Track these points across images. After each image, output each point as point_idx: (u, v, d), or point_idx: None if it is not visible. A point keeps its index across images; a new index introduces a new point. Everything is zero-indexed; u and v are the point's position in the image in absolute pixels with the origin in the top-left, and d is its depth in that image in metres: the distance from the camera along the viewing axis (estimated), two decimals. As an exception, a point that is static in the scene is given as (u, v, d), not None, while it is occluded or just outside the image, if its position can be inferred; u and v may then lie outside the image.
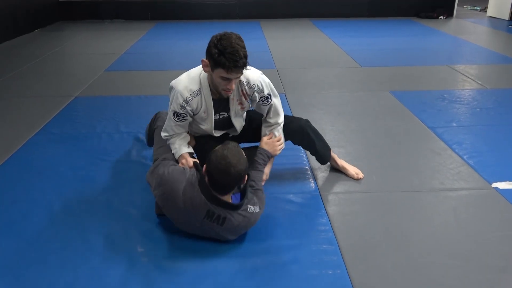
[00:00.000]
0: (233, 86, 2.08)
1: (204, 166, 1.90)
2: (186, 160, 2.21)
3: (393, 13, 8.66)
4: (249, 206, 1.95)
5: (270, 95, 2.30)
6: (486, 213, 2.25)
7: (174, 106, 2.18)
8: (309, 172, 2.62)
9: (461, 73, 4.74)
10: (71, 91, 4.17)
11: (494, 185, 2.48)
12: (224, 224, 1.90)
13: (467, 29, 7.60)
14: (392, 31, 7.31)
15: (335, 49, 5.95)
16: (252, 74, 2.21)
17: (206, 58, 2.05)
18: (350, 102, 3.90)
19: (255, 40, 6.44)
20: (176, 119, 2.20)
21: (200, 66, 2.16)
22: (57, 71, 5.03)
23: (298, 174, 2.60)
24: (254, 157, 2.27)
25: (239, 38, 2.02)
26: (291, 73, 4.79)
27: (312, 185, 2.51)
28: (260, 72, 2.27)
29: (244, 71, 2.06)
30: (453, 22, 8.33)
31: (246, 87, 2.22)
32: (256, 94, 2.25)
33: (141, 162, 2.76)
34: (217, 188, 1.88)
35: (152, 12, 8.44)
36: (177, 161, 2.25)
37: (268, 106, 2.33)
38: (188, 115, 2.20)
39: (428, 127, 3.28)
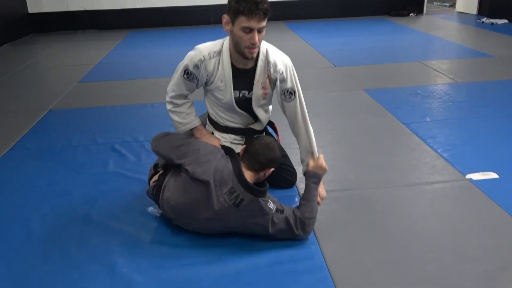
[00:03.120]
0: (257, 40, 1.94)
1: (242, 148, 2.06)
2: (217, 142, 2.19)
3: (364, 13, 8.79)
4: (270, 201, 1.93)
5: (294, 92, 2.13)
6: (462, 205, 2.30)
7: (187, 64, 2.07)
8: (287, 174, 2.64)
9: (433, 69, 4.84)
10: (45, 104, 4.11)
11: (468, 176, 2.54)
12: (239, 206, 1.89)
13: (437, 25, 7.76)
14: (364, 31, 7.42)
15: (310, 50, 6.01)
16: (280, 57, 2.10)
17: (226, 14, 1.97)
18: (326, 102, 3.94)
19: (230, 45, 6.44)
20: (185, 76, 2.08)
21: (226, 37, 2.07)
22: (29, 85, 4.95)
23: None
24: (306, 186, 2.14)
25: None
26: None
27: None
28: (289, 60, 2.13)
29: (274, 52, 2.02)
30: (424, 18, 8.49)
31: (272, 69, 2.10)
32: (279, 83, 2.10)
33: (118, 172, 2.73)
34: (251, 161, 2.00)
35: (125, 20, 8.39)
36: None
37: (292, 105, 2.14)
38: (197, 79, 2.09)
39: (403, 123, 3.33)
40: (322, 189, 2.21)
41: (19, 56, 6.41)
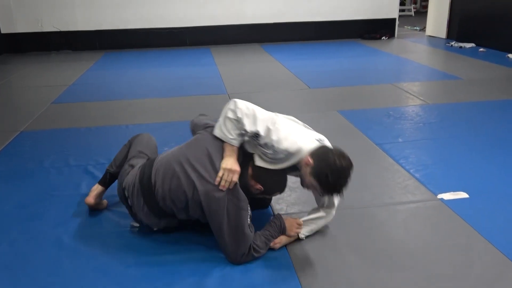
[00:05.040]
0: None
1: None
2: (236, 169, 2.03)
3: (339, 36, 8.98)
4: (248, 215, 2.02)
5: None
6: (433, 224, 2.34)
7: (280, 141, 2.02)
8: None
9: (405, 91, 4.96)
10: (16, 125, 4.03)
11: (439, 196, 2.59)
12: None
13: (408, 48, 7.98)
14: (338, 53, 7.57)
15: (285, 72, 6.09)
16: None
17: (312, 160, 1.95)
18: (301, 123, 3.97)
19: (206, 66, 6.49)
20: (263, 146, 2.05)
21: (310, 141, 2.11)
22: (1, 106, 4.86)
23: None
24: (269, 229, 2.13)
25: (351, 171, 1.96)
26: (242, 98, 4.73)
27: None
28: None
29: None
30: (395, 42, 8.73)
31: None
32: None
33: (92, 195, 2.69)
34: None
35: (100, 41, 8.35)
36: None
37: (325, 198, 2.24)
38: (271, 151, 2.04)
39: (376, 144, 3.39)
40: (284, 241, 2.15)
41: (-9, 76, 6.30)
